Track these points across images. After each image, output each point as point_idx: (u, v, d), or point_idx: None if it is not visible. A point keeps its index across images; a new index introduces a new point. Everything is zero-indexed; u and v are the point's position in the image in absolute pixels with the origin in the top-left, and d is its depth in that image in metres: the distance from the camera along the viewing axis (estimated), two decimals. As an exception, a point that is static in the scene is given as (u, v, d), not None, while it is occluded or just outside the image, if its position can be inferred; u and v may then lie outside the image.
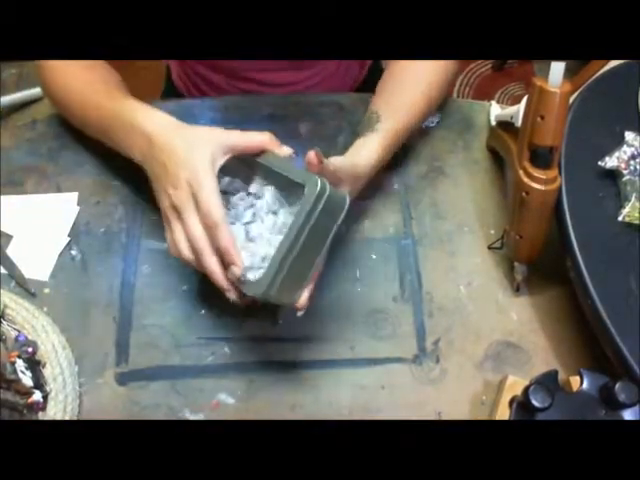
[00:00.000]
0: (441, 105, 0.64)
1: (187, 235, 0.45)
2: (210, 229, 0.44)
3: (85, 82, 0.57)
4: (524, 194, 0.50)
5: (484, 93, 1.62)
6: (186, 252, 0.45)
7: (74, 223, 0.58)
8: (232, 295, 0.45)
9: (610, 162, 0.53)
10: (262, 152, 0.47)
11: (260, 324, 0.53)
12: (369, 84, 0.82)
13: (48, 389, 0.48)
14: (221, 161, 0.46)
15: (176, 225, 0.45)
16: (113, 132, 0.53)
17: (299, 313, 0.47)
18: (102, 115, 0.54)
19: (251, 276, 0.45)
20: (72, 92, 0.58)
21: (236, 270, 0.43)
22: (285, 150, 0.47)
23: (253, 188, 0.49)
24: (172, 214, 0.46)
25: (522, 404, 0.45)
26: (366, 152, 0.53)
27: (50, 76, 0.59)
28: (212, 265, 0.44)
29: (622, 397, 0.43)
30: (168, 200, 0.46)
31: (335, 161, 0.46)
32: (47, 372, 0.49)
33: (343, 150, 0.63)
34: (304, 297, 0.46)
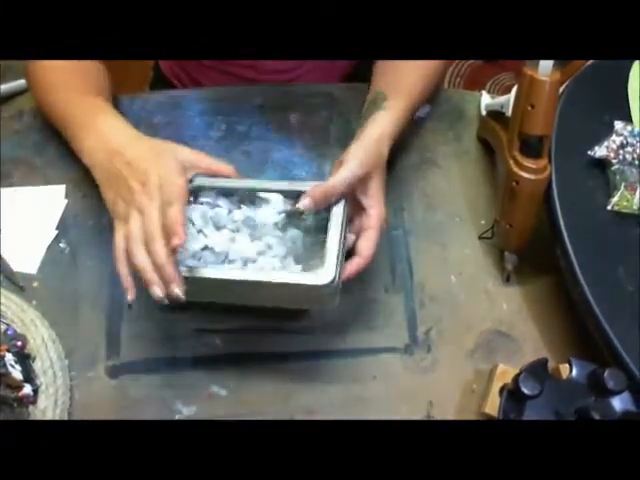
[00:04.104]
0: (432, 95, 0.64)
1: (144, 226, 0.43)
2: (166, 208, 0.43)
3: (64, 76, 0.57)
4: (514, 183, 0.50)
5: (475, 83, 1.62)
6: (134, 248, 0.43)
7: (62, 216, 0.58)
8: (158, 291, 0.43)
9: (599, 151, 0.54)
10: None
11: (252, 315, 0.53)
12: (360, 71, 0.82)
13: (38, 382, 0.48)
14: (184, 173, 0.47)
15: (135, 221, 0.44)
16: (69, 127, 0.54)
17: None
18: (66, 108, 0.55)
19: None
20: (51, 85, 0.58)
21: (176, 240, 0.41)
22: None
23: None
24: (132, 212, 0.45)
25: (512, 392, 0.45)
26: (378, 127, 0.52)
27: (33, 68, 0.59)
28: (146, 258, 0.43)
29: (611, 384, 0.44)
30: (130, 196, 0.45)
31: (342, 176, 0.48)
32: (37, 366, 0.49)
33: (334, 141, 0.63)
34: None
